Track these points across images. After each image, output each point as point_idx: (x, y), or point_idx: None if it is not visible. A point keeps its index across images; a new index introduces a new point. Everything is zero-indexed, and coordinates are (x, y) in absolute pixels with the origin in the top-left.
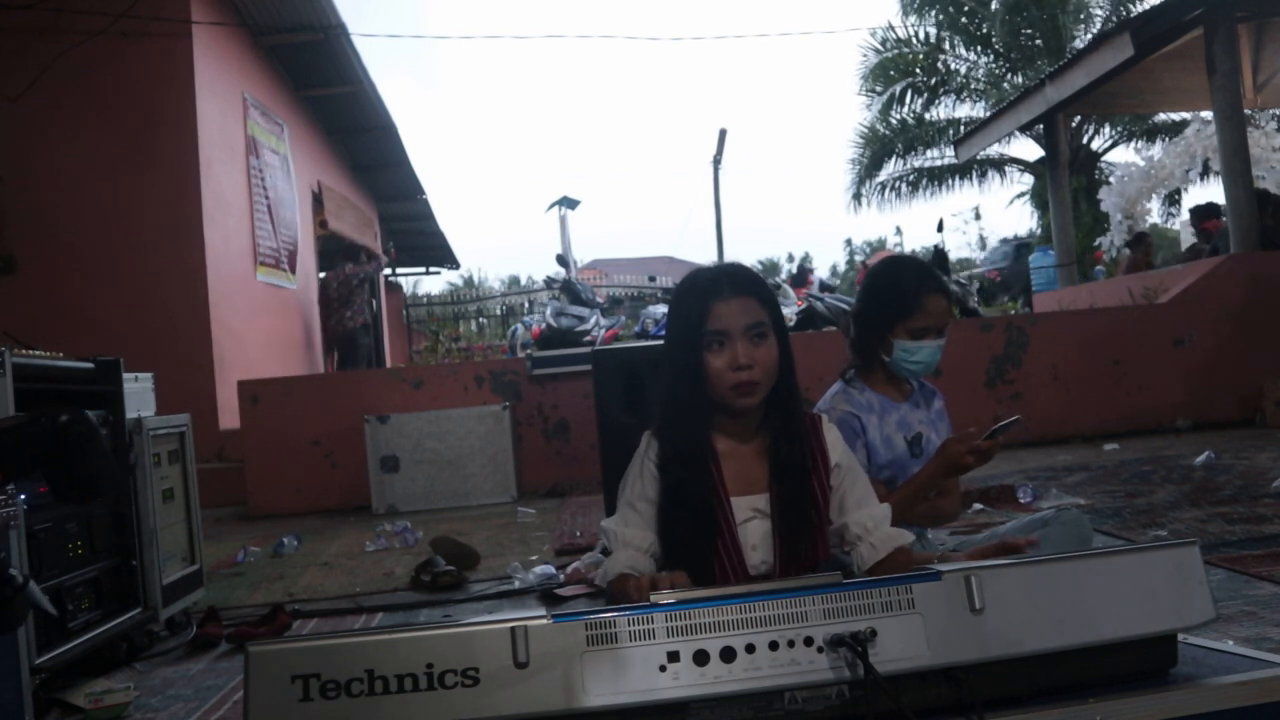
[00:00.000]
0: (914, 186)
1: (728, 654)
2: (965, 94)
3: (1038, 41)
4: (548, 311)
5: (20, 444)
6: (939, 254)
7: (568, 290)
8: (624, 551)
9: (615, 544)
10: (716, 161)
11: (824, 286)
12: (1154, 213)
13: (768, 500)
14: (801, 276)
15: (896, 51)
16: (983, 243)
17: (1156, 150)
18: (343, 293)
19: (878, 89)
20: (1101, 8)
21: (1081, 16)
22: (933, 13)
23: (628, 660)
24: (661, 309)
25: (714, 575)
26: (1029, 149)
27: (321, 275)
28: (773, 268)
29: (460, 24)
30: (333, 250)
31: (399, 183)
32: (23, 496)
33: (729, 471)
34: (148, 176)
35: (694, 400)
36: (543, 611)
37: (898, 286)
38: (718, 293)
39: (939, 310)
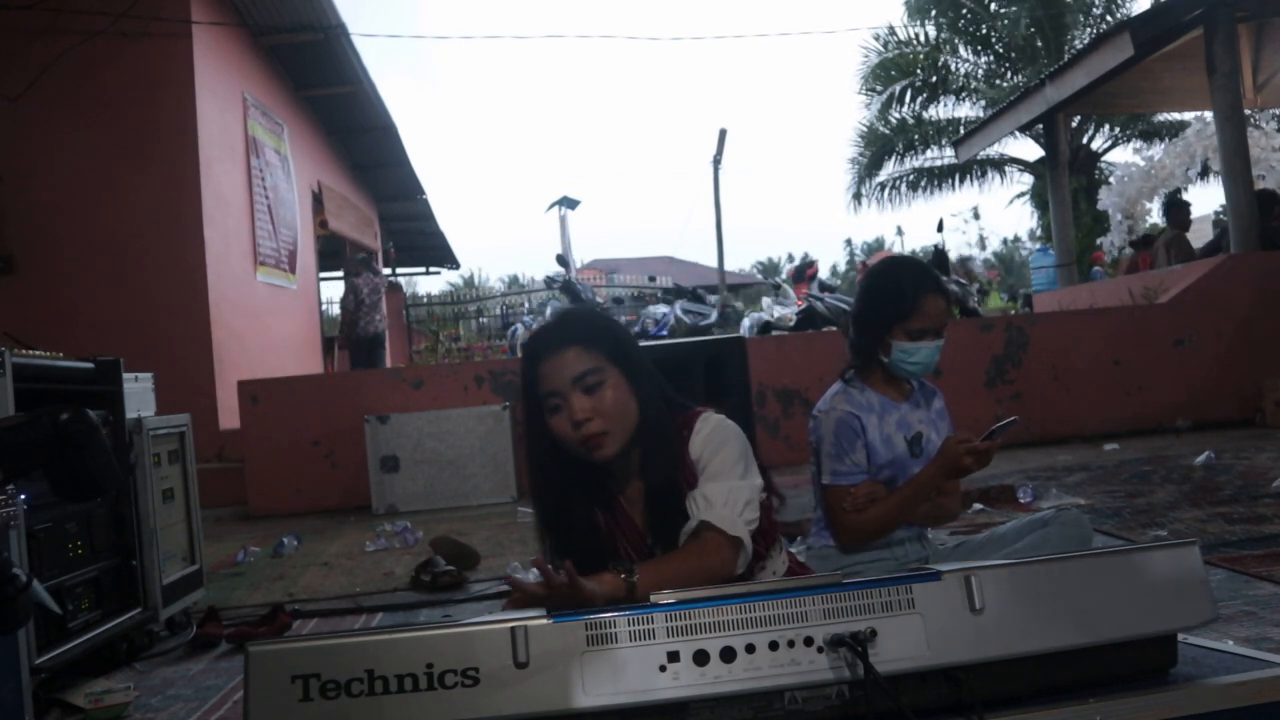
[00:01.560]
0: (914, 186)
1: (728, 654)
2: (965, 94)
3: (1038, 42)
4: (547, 312)
5: (21, 443)
6: (939, 254)
7: (568, 290)
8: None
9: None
10: (716, 161)
11: (824, 286)
12: (1154, 213)
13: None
14: (801, 272)
15: (897, 52)
16: (982, 243)
17: (1156, 150)
18: (374, 299)
19: (878, 89)
20: (1098, 6)
21: (1088, 14)
22: (933, 13)
23: (627, 660)
24: (662, 309)
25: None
26: (1029, 149)
27: (350, 279)
28: (773, 268)
29: (458, 23)
30: (332, 250)
31: (399, 183)
32: (23, 496)
33: (629, 505)
34: (148, 176)
35: (560, 463)
36: (543, 611)
37: (895, 288)
38: (542, 354)
39: (937, 311)
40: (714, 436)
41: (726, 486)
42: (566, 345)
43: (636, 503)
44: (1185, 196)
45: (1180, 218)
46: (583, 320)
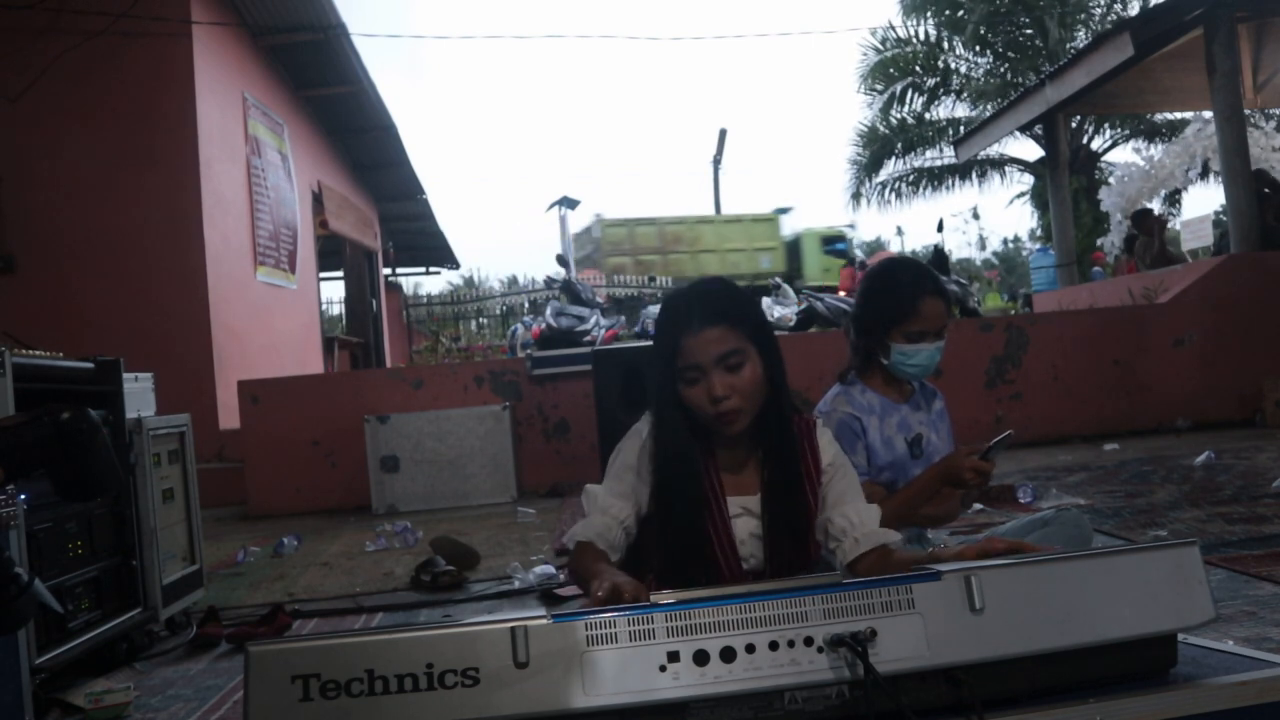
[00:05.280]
0: (914, 186)
1: (728, 654)
2: (965, 94)
3: (1038, 41)
4: (548, 311)
5: (22, 443)
6: (939, 254)
7: (568, 290)
8: (598, 518)
9: (592, 508)
10: (716, 161)
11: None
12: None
13: (758, 501)
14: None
15: (896, 51)
16: (982, 243)
17: (1156, 150)
18: None
19: (878, 89)
20: (1099, 7)
21: (1080, 16)
22: (930, 13)
23: (628, 660)
24: None
25: (709, 573)
26: (1029, 149)
27: None
28: None
29: (451, 21)
30: (333, 250)
31: (399, 183)
32: (23, 496)
33: (725, 475)
34: (147, 176)
35: (680, 422)
36: (543, 611)
37: (893, 290)
38: (687, 326)
39: (935, 313)
40: (841, 454)
41: (871, 510)
42: (714, 323)
43: (725, 462)
44: (1186, 195)
45: (1146, 226)
46: (730, 299)
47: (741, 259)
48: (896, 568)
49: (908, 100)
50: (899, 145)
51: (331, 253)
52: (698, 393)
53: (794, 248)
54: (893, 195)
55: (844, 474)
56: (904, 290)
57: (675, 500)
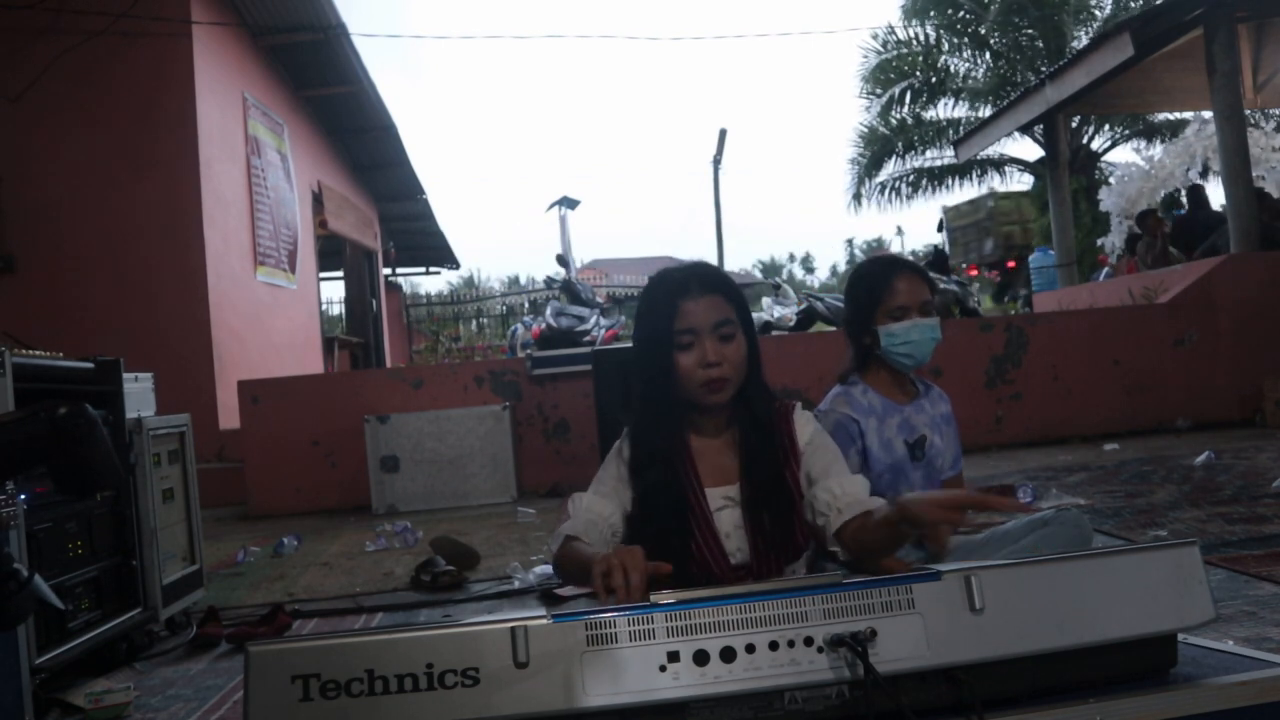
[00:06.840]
0: (914, 186)
1: (728, 654)
2: (964, 94)
3: (1038, 42)
4: (548, 311)
5: (17, 439)
6: (939, 253)
7: (568, 290)
8: (584, 515)
9: (576, 511)
10: (716, 161)
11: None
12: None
13: (739, 489)
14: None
15: (896, 53)
16: None
17: (1156, 150)
18: None
19: (878, 90)
20: (1102, 8)
21: (1082, 16)
22: (931, 14)
23: (627, 660)
24: None
25: (694, 567)
26: (1029, 149)
27: None
28: (773, 268)
29: (447, 20)
30: (333, 250)
31: (399, 183)
32: (23, 496)
33: (702, 466)
34: (147, 176)
35: (666, 399)
36: (543, 611)
37: (869, 275)
38: (685, 292)
39: (911, 287)
40: (821, 432)
41: (857, 480)
42: (711, 291)
43: (703, 451)
44: (1185, 196)
45: (1149, 226)
46: (723, 276)
47: None
48: (876, 528)
49: (907, 101)
50: (899, 145)
51: (331, 253)
52: (689, 358)
53: None
54: (893, 195)
55: (824, 449)
56: (876, 272)
57: (655, 484)
